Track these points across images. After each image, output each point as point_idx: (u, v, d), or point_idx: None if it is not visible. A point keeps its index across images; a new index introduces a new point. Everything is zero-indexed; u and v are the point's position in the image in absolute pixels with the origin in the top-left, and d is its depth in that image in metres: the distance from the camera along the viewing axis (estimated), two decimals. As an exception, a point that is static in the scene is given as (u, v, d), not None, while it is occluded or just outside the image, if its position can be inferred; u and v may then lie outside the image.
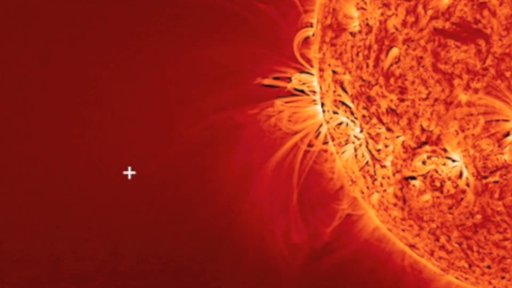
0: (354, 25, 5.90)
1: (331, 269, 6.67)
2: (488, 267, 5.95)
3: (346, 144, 6.20)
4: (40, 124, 6.78)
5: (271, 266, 6.77)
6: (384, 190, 6.01)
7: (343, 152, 6.27)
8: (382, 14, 5.68)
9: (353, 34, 5.90)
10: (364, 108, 5.86)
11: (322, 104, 6.38)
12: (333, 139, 6.36)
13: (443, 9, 5.44)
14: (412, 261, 6.48)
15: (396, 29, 5.61)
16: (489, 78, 5.36)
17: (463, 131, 5.46)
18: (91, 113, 6.78)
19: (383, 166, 5.93)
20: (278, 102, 6.54)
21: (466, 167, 5.54)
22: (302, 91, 6.52)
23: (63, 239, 6.86)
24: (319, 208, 6.59)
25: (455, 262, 6.07)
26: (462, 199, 5.65)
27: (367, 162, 6.05)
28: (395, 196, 5.94)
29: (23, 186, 6.79)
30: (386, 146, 5.84)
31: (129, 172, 6.71)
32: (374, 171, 6.01)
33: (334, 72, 6.06)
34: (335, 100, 6.14)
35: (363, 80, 5.81)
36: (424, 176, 5.71)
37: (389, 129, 5.75)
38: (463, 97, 5.43)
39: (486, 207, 5.60)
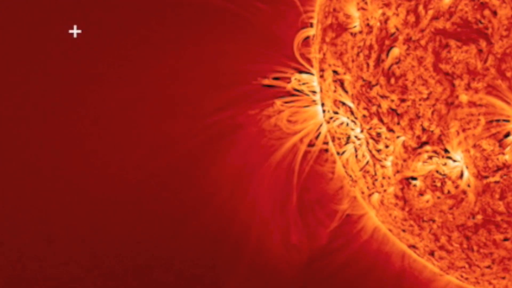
0: (355, 25, 5.90)
1: (331, 269, 6.67)
2: (489, 267, 5.95)
3: (346, 144, 6.20)
4: (39, 123, 6.77)
5: (270, 267, 6.76)
6: (385, 190, 6.01)
7: (343, 152, 6.27)
8: (382, 14, 5.68)
9: (353, 34, 5.90)
10: (365, 108, 5.86)
11: (322, 104, 6.38)
12: (333, 139, 6.35)
13: (444, 9, 5.44)
14: (412, 261, 6.48)
15: (397, 29, 5.61)
16: (489, 78, 5.36)
17: (464, 131, 5.46)
18: (89, 112, 6.77)
19: (383, 166, 5.93)
20: (278, 102, 6.53)
21: (467, 167, 5.54)
22: (302, 91, 6.52)
23: (61, 240, 6.85)
24: (319, 208, 6.59)
25: (455, 262, 6.07)
26: (462, 199, 5.65)
27: (367, 162, 6.05)
28: (396, 196, 5.94)
29: (23, 186, 6.78)
30: (387, 146, 5.84)
31: (75, 31, 6.58)
32: (375, 171, 6.01)
33: (334, 72, 6.06)
34: (335, 100, 6.14)
35: (364, 80, 5.81)
36: (425, 176, 5.72)
37: (389, 129, 5.75)
38: (464, 97, 5.43)
39: (487, 207, 5.60)
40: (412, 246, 6.29)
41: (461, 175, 5.60)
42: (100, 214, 6.83)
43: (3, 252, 6.79)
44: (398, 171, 5.82)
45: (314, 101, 6.50)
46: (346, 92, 5.99)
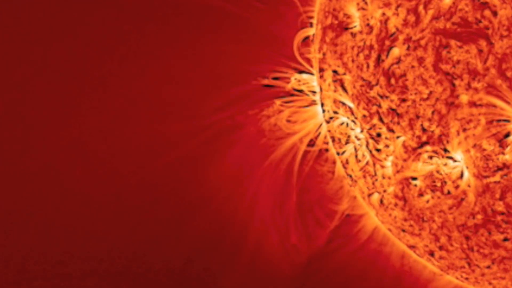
0: (355, 25, 5.90)
1: (330, 269, 6.66)
2: (488, 267, 5.95)
3: (346, 144, 6.20)
4: (36, 124, 6.76)
5: (269, 267, 6.76)
6: (385, 190, 6.01)
7: (343, 152, 6.27)
8: (382, 14, 5.68)
9: (353, 34, 5.90)
10: (365, 108, 5.86)
11: (322, 104, 6.37)
12: (333, 139, 6.35)
13: (444, 9, 5.45)
14: (412, 261, 6.48)
15: (397, 29, 5.61)
16: (490, 78, 5.36)
17: (464, 131, 5.47)
18: (89, 112, 6.76)
19: (383, 166, 5.93)
20: (278, 102, 6.53)
21: (467, 167, 5.55)
22: (301, 91, 6.52)
23: (58, 240, 6.84)
24: (318, 208, 6.59)
25: (455, 262, 6.07)
26: (462, 199, 5.65)
27: (367, 162, 6.05)
28: (396, 196, 5.94)
29: (23, 186, 6.77)
30: (387, 146, 5.84)
31: None
32: (375, 171, 6.01)
33: (334, 72, 6.06)
34: (335, 100, 6.14)
35: (364, 80, 5.81)
36: (425, 176, 5.72)
37: (389, 129, 5.75)
38: (464, 97, 5.43)
39: (487, 207, 5.60)
40: (412, 246, 6.29)
41: (461, 175, 5.60)
42: (98, 214, 6.82)
43: (3, 252, 6.78)
44: (398, 171, 5.83)
45: (314, 101, 6.50)
46: (346, 92, 5.99)
